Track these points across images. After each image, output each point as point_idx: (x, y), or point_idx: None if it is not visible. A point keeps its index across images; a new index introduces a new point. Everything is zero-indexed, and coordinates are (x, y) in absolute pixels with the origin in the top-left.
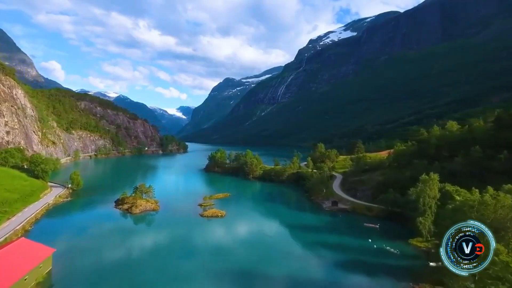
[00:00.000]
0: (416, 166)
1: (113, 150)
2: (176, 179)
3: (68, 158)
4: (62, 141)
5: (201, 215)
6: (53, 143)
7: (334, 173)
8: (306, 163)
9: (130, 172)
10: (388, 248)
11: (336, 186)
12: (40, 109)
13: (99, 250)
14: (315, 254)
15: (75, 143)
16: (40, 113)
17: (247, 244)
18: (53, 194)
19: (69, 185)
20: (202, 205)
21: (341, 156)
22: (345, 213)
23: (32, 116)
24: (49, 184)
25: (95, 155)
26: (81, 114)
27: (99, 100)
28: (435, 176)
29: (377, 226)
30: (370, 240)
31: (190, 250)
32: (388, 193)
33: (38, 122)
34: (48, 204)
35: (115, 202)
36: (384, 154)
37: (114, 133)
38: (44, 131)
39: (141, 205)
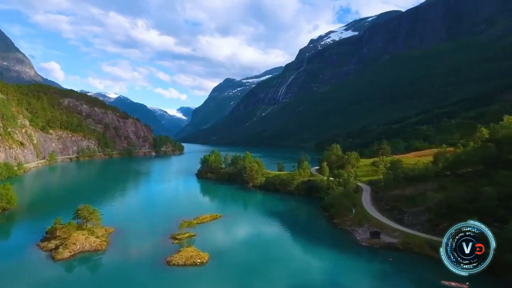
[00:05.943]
0: (501, 178)
1: (98, 152)
2: (155, 189)
3: (42, 161)
4: (34, 141)
5: (169, 263)
6: (21, 144)
7: (358, 182)
8: (317, 168)
9: (107, 178)
10: None
11: (367, 203)
12: (5, 105)
13: None
14: None
15: (53, 144)
16: (4, 109)
17: None
18: None
19: None
20: (176, 238)
21: (362, 160)
22: (394, 251)
23: None
24: None
25: (76, 157)
26: (63, 112)
27: (86, 98)
28: None
29: (466, 286)
30: None
31: None
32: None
33: None
34: None
35: (45, 234)
36: (410, 156)
37: (101, 133)
38: (8, 130)
39: (75, 243)
